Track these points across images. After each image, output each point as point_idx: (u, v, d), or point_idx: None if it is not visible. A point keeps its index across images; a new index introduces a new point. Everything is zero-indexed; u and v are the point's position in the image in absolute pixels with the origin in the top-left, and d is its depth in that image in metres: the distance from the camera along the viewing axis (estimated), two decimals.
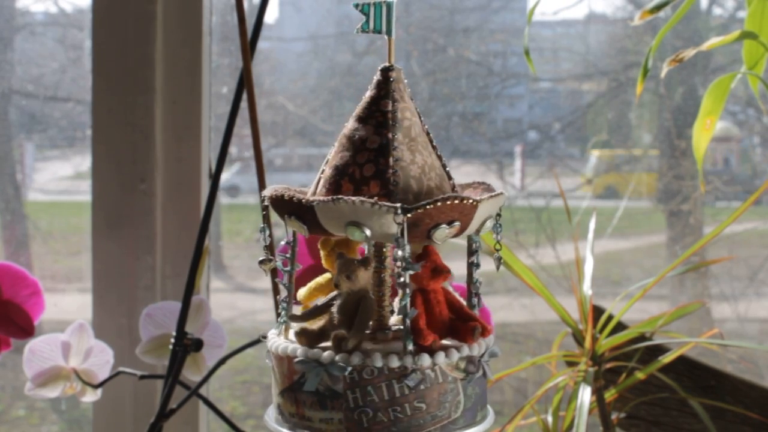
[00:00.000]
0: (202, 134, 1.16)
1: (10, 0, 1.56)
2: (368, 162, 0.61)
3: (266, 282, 0.88)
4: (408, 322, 0.58)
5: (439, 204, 0.57)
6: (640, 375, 0.90)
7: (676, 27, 1.36)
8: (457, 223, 0.59)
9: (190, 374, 0.91)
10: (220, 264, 1.62)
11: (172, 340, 0.89)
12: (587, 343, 0.90)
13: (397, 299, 0.62)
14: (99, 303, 1.17)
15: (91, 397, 0.92)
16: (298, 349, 0.61)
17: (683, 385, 0.92)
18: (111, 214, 1.16)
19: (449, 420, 0.60)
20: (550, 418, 0.92)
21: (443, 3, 1.62)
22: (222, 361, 0.89)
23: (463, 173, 1.65)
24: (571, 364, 0.94)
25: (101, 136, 1.16)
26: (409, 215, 0.57)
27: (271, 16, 1.71)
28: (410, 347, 0.58)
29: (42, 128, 1.58)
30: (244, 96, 0.87)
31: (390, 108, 0.62)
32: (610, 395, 0.91)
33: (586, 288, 0.92)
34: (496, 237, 0.64)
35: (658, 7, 0.85)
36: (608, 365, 0.91)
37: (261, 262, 0.64)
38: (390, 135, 0.61)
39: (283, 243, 0.71)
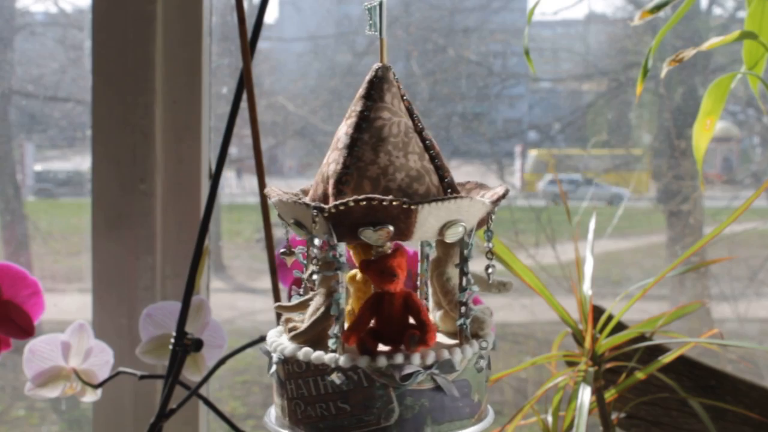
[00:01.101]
0: (202, 134, 1.16)
1: (10, 0, 1.56)
2: (333, 161, 0.61)
3: (266, 282, 0.88)
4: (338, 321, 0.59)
5: (351, 204, 0.56)
6: (640, 375, 0.90)
7: (676, 27, 1.36)
8: (387, 227, 0.57)
9: (190, 374, 0.91)
10: (220, 264, 1.62)
11: (172, 340, 0.89)
12: (587, 343, 0.90)
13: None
14: (99, 303, 1.17)
15: (91, 397, 0.92)
16: (267, 337, 0.64)
17: (683, 385, 0.92)
18: (111, 214, 1.16)
19: (378, 427, 0.58)
20: (550, 418, 0.92)
21: (443, 3, 1.62)
22: (222, 362, 0.89)
23: (463, 173, 1.65)
24: (571, 364, 0.94)
25: (101, 136, 1.16)
26: (324, 214, 0.57)
27: (271, 16, 1.71)
28: (332, 346, 0.59)
29: (42, 128, 1.58)
30: (244, 96, 0.87)
31: (362, 107, 0.62)
32: (610, 395, 0.91)
33: (586, 288, 0.92)
34: (486, 245, 0.62)
35: (658, 7, 0.85)
36: (608, 365, 0.91)
37: (282, 254, 0.64)
38: (355, 135, 0.61)
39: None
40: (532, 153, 1.71)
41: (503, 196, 0.62)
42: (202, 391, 0.92)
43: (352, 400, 0.58)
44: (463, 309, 0.61)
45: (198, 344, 0.90)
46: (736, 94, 1.54)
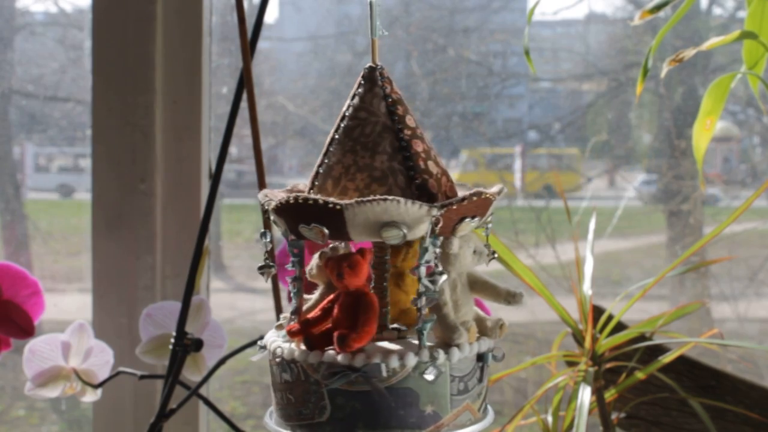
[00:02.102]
0: (202, 134, 1.16)
1: (10, 0, 1.56)
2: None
3: (266, 282, 0.88)
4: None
5: (283, 202, 0.58)
6: (640, 375, 0.90)
7: (676, 27, 1.36)
8: (320, 226, 0.57)
9: (190, 374, 0.91)
10: (220, 264, 1.62)
11: (172, 340, 0.89)
12: (587, 343, 0.90)
13: None
14: (99, 303, 1.17)
15: (91, 397, 0.92)
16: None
17: (683, 385, 0.92)
18: (111, 214, 1.16)
19: (313, 422, 0.59)
20: (550, 418, 0.92)
21: (443, 3, 1.62)
22: (222, 362, 0.89)
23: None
24: (571, 364, 0.94)
25: (101, 136, 1.16)
26: (272, 210, 0.59)
27: (271, 16, 1.71)
28: (283, 338, 0.62)
29: (42, 128, 1.58)
30: (244, 96, 0.87)
31: (345, 108, 0.62)
32: (610, 395, 0.91)
33: (586, 288, 0.92)
34: (432, 250, 0.58)
35: (658, 7, 0.85)
36: (608, 365, 0.91)
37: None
38: (333, 135, 0.62)
39: None
40: (464, 152, 1.71)
41: (462, 200, 0.58)
42: (202, 390, 0.92)
43: (295, 392, 0.60)
44: (417, 314, 0.59)
45: (198, 344, 0.90)
46: (736, 94, 1.54)
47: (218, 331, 0.93)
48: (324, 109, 1.64)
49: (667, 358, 0.90)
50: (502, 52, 1.70)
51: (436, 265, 0.59)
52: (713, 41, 0.85)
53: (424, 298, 0.58)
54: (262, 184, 0.86)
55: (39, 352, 0.90)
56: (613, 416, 0.94)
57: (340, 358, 0.58)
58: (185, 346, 0.88)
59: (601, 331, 0.90)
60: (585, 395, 0.83)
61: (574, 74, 1.75)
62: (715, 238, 0.88)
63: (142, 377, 0.92)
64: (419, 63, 1.58)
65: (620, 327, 0.93)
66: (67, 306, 1.48)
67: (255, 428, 1.45)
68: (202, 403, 0.96)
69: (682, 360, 0.94)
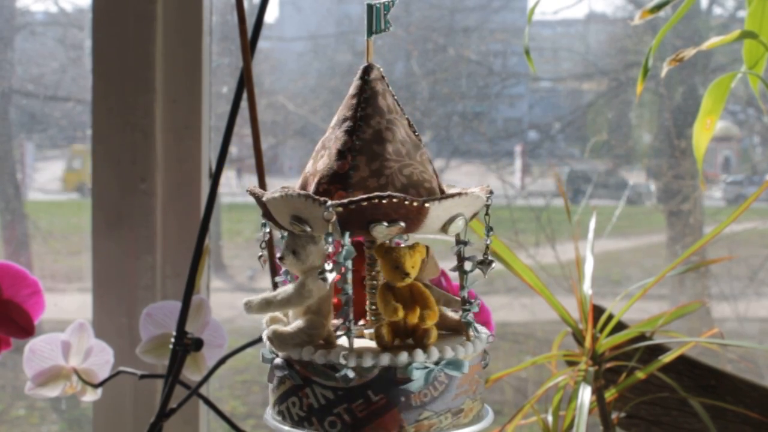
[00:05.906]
0: (202, 134, 1.16)
1: (10, 0, 1.56)
2: None
3: (266, 281, 0.88)
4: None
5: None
6: (640, 375, 0.90)
7: (676, 27, 1.36)
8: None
9: (190, 374, 0.91)
10: (220, 264, 1.62)
11: (172, 340, 0.89)
12: (587, 342, 0.90)
13: None
14: (99, 303, 1.17)
15: (91, 396, 0.92)
16: None
17: (683, 385, 0.92)
18: (111, 214, 1.16)
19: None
20: (550, 418, 0.92)
21: (443, 3, 1.62)
22: (222, 361, 0.89)
23: (463, 173, 1.65)
24: (571, 363, 0.94)
25: (101, 136, 1.16)
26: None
27: (271, 15, 1.71)
28: None
29: (42, 128, 1.58)
30: (244, 95, 0.87)
31: None
32: (610, 395, 0.91)
33: (586, 288, 0.92)
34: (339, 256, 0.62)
35: (658, 7, 0.85)
36: (608, 365, 0.91)
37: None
38: None
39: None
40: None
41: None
42: (203, 390, 0.92)
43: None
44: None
45: (198, 343, 0.90)
46: (736, 93, 1.54)
47: (218, 331, 0.93)
48: (324, 108, 1.64)
49: (667, 358, 0.90)
50: (502, 52, 1.70)
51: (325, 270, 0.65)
52: (713, 41, 0.85)
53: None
54: (262, 184, 0.86)
55: (39, 351, 0.90)
56: (613, 416, 0.94)
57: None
58: (185, 345, 0.88)
59: (601, 330, 0.90)
60: (585, 395, 0.83)
61: (574, 74, 1.75)
62: (715, 238, 0.89)
63: (142, 377, 0.92)
64: (419, 63, 1.58)
65: (620, 327, 0.93)
66: (67, 306, 1.48)
67: (255, 428, 1.45)
68: (202, 402, 0.96)
69: (682, 360, 0.94)
